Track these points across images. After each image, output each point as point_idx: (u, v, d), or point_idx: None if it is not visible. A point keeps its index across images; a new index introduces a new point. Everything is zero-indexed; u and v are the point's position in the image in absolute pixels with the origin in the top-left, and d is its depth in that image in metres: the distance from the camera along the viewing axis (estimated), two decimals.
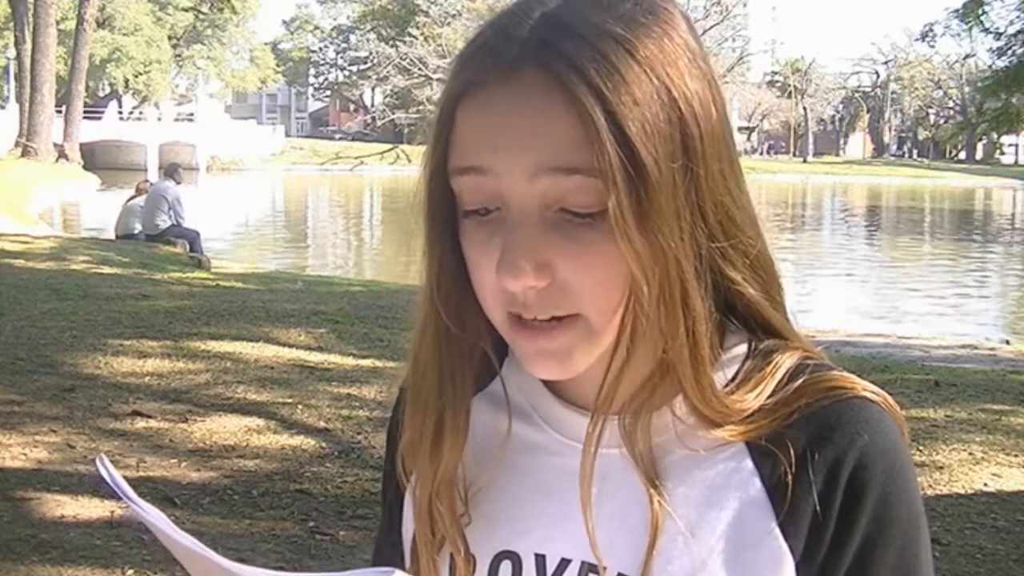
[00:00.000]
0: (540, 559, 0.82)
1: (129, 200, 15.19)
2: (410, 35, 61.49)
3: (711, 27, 60.87)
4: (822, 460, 0.76)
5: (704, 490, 0.78)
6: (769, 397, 0.78)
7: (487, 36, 0.75)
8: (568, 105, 0.70)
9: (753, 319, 0.80)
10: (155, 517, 0.77)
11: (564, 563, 0.81)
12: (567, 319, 0.74)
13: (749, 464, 0.78)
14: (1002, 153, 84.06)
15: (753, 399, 0.78)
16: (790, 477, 0.76)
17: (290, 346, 7.39)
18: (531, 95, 0.71)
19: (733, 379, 0.79)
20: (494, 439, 0.86)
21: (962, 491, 4.78)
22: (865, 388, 0.78)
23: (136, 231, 14.65)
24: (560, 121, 0.70)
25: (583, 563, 0.80)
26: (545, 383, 0.85)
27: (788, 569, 0.76)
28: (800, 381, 0.78)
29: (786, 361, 0.79)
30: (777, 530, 0.76)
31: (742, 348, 0.81)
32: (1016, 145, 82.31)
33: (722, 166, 0.76)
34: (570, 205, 0.72)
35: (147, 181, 16.52)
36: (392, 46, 61.70)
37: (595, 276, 0.72)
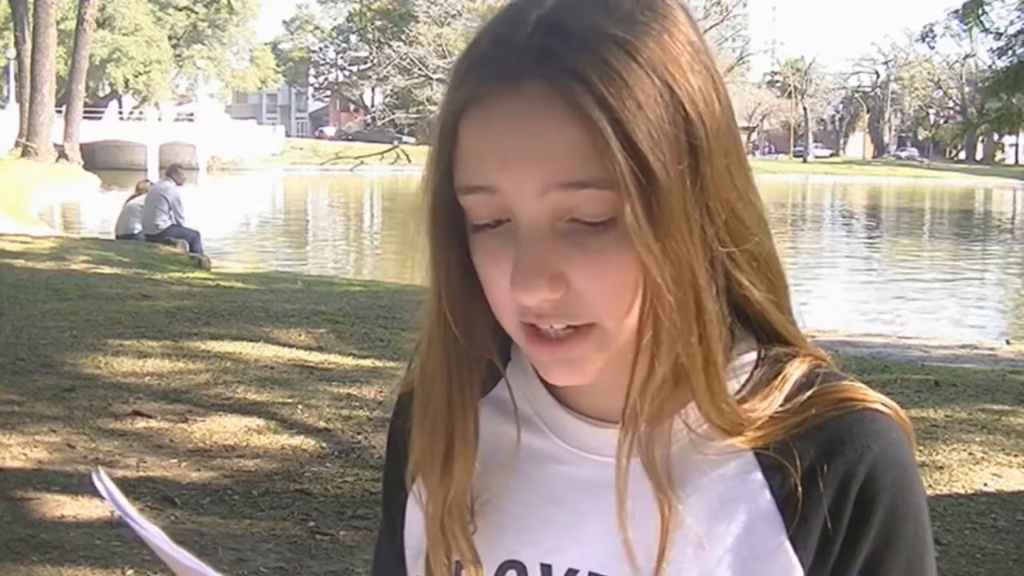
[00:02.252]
0: (546, 569, 0.81)
1: (129, 200, 15.19)
2: (399, 39, 61.47)
3: (711, 27, 60.78)
4: (833, 473, 0.75)
5: (714, 502, 0.77)
6: (780, 406, 0.77)
7: (485, 46, 0.73)
8: (573, 117, 0.68)
9: (759, 323, 0.79)
10: (152, 533, 0.76)
11: (571, 573, 0.80)
12: (583, 328, 0.73)
13: (759, 476, 0.77)
14: (1003, 153, 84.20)
15: (764, 408, 0.77)
16: (800, 490, 0.75)
17: (290, 346, 7.39)
18: (534, 108, 0.69)
19: (743, 387, 0.78)
20: (499, 446, 0.84)
21: (962, 491, 4.78)
22: (875, 399, 0.78)
23: (136, 231, 14.64)
24: (566, 134, 0.69)
25: (590, 574, 0.79)
26: (550, 391, 0.84)
27: None
28: (811, 392, 0.77)
29: (796, 370, 0.79)
30: (787, 543, 0.76)
31: (751, 355, 0.80)
32: (1016, 145, 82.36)
33: (728, 162, 0.74)
34: (581, 215, 0.71)
35: (147, 180, 16.42)
36: (378, 47, 61.64)
37: (609, 283, 0.71)
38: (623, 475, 0.77)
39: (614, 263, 0.71)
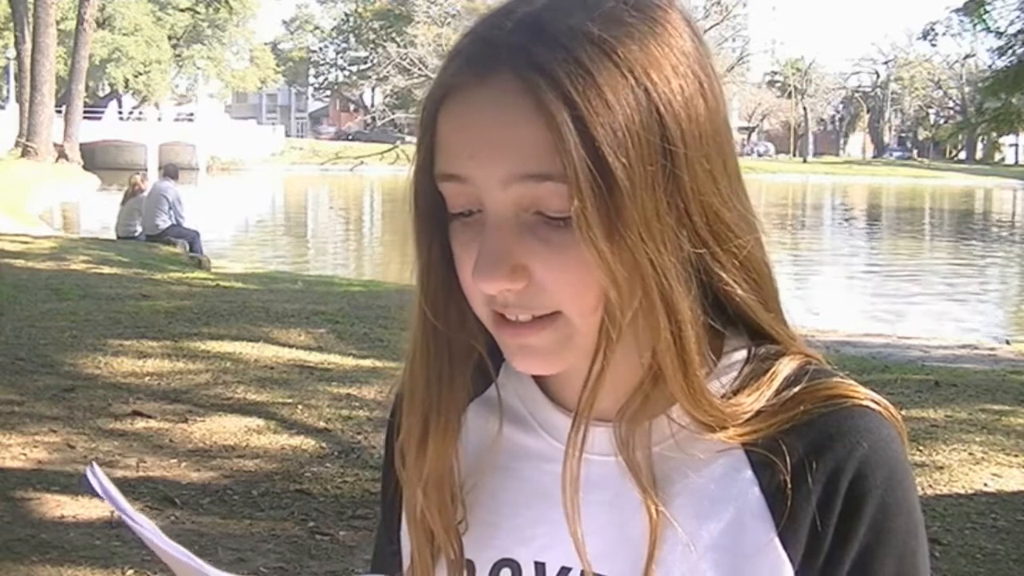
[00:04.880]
0: (540, 567, 0.81)
1: (125, 200, 14.89)
2: (393, 40, 61.46)
3: (711, 27, 60.86)
4: (821, 469, 0.75)
5: (703, 499, 0.77)
6: (768, 401, 0.77)
7: (468, 40, 0.74)
8: (538, 111, 0.69)
9: (744, 321, 0.79)
10: (146, 527, 0.76)
11: (564, 571, 0.80)
12: (547, 317, 0.74)
13: (748, 473, 0.77)
14: (1002, 153, 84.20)
15: (751, 402, 0.77)
16: (789, 486, 0.75)
17: (290, 346, 7.39)
18: (503, 101, 0.70)
19: (732, 384, 0.78)
20: (492, 446, 0.85)
21: (962, 491, 4.78)
22: (865, 396, 0.77)
23: (136, 232, 14.56)
24: (530, 127, 0.70)
25: (583, 572, 0.79)
26: (542, 389, 0.84)
27: None
28: (799, 388, 0.77)
29: (785, 367, 0.78)
30: (776, 540, 0.76)
31: (741, 354, 0.80)
32: (1016, 145, 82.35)
33: (710, 167, 0.74)
34: (544, 209, 0.71)
35: (139, 176, 15.51)
36: (373, 48, 61.60)
37: (571, 278, 0.72)
38: (574, 467, 0.77)
39: (576, 259, 0.71)
